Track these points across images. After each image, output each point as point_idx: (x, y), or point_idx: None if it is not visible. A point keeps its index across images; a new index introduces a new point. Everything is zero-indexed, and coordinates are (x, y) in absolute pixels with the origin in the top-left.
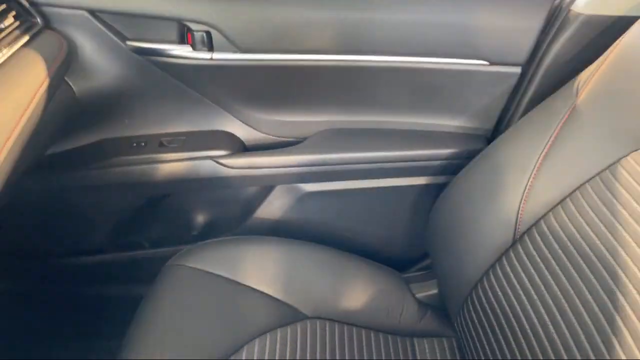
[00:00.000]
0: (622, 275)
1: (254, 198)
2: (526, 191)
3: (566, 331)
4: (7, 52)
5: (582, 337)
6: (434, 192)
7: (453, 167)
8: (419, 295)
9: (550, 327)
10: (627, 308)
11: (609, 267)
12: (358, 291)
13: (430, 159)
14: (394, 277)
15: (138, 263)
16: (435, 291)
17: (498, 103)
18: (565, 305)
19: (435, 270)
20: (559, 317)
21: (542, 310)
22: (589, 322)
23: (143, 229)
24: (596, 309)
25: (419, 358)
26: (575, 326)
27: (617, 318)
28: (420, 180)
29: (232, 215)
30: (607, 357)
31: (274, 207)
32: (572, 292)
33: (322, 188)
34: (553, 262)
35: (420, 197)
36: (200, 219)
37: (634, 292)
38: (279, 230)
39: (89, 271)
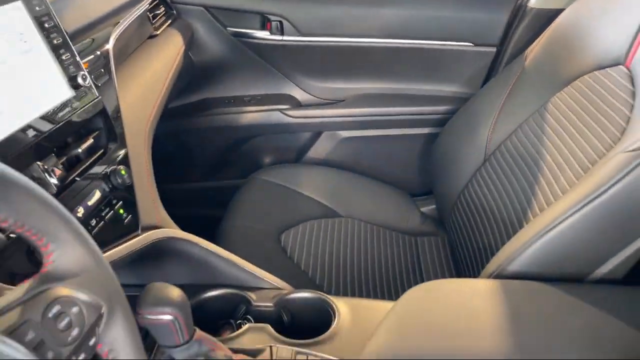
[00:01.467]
0: (544, 170)
1: (308, 141)
2: (491, 127)
3: (518, 208)
4: (160, 29)
5: (526, 210)
6: (434, 139)
7: (435, 123)
8: (422, 209)
9: (504, 210)
10: (545, 187)
11: (537, 166)
12: (379, 203)
13: (431, 114)
14: (405, 197)
15: (226, 188)
16: (433, 206)
17: (480, 73)
18: (513, 194)
19: (433, 188)
20: (509, 203)
21: (500, 202)
22: (528, 199)
23: (231, 163)
24: (530, 190)
25: (419, 250)
26: (522, 204)
27: (539, 193)
28: (424, 130)
29: (294, 154)
30: (535, 214)
31: (320, 147)
32: (516, 185)
33: (354, 134)
34: (508, 170)
35: (424, 142)
36: (271, 156)
37: (548, 175)
38: (323, 164)
39: (193, 195)
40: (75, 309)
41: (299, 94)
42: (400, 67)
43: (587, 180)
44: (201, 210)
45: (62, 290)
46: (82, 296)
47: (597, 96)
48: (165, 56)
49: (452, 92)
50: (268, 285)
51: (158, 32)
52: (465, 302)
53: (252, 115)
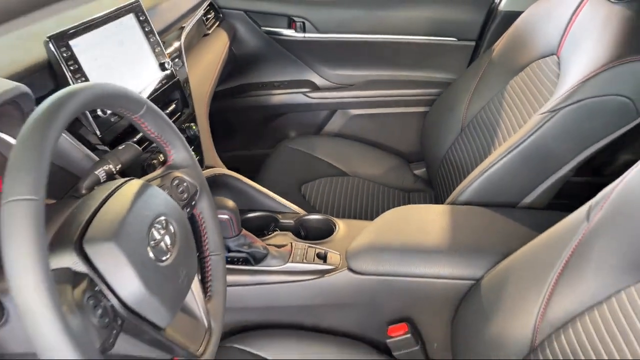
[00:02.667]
0: (498, 134)
1: (325, 117)
2: (466, 104)
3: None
4: (211, 29)
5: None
6: (425, 115)
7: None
8: (415, 171)
9: (473, 166)
10: (496, 144)
11: (495, 131)
12: (380, 166)
13: (423, 95)
14: (401, 162)
15: (260, 155)
16: (424, 169)
17: (462, 62)
18: (478, 154)
19: (424, 154)
20: (475, 161)
21: (471, 161)
22: (486, 155)
23: (263, 135)
24: (488, 149)
25: (411, 202)
26: (482, 159)
27: (492, 149)
28: (417, 109)
29: (313, 128)
30: None
31: (335, 122)
32: (481, 147)
33: (362, 112)
34: (477, 137)
35: (417, 118)
36: (295, 130)
37: (500, 136)
38: (337, 136)
39: (233, 161)
40: (185, 184)
41: (317, 80)
42: (398, 57)
43: (515, 135)
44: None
45: (178, 174)
46: (187, 178)
47: (537, 79)
48: (215, 50)
49: (439, 77)
50: (290, 211)
51: (210, 32)
52: (423, 217)
53: (279, 97)
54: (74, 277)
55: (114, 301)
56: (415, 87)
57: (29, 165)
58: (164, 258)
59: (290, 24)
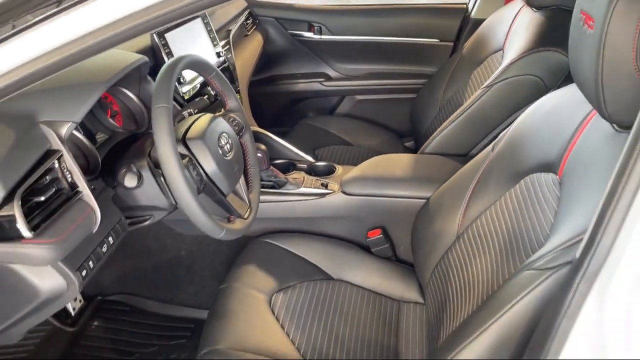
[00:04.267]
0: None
1: (336, 102)
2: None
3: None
4: (250, 31)
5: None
6: (411, 101)
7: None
8: (405, 144)
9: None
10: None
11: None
12: (378, 139)
13: (412, 84)
14: (395, 135)
15: (284, 132)
16: (412, 141)
17: (444, 57)
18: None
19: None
20: (473, 275)
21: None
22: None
23: (287, 115)
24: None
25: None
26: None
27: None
28: (407, 95)
29: (327, 110)
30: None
31: (344, 106)
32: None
33: (365, 98)
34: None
35: (407, 101)
36: (312, 112)
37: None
38: (346, 116)
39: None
40: (236, 121)
41: (330, 72)
42: (393, 54)
43: (465, 104)
44: None
45: (232, 114)
46: (238, 118)
47: (489, 67)
48: (252, 47)
49: (425, 70)
50: (305, 159)
51: (249, 33)
52: (396, 160)
53: (301, 85)
54: (182, 156)
55: (201, 171)
56: (406, 77)
57: (165, 90)
58: (226, 155)
59: (310, 28)
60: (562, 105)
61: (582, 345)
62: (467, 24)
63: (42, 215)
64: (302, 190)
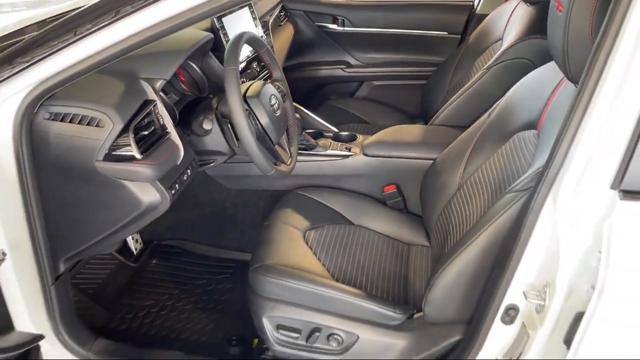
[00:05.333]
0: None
1: (355, 87)
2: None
3: (475, 214)
4: (283, 22)
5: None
6: (422, 87)
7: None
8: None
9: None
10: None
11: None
12: (391, 120)
13: (423, 72)
14: (406, 116)
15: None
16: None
17: (452, 48)
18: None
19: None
20: (469, 213)
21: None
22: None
23: (312, 97)
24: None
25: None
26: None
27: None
28: (419, 82)
29: (347, 94)
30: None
31: (363, 90)
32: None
33: (381, 83)
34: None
35: (418, 88)
36: (335, 95)
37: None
38: (365, 99)
39: None
40: (280, 88)
41: (351, 60)
42: (407, 45)
43: (468, 83)
44: None
45: (277, 83)
46: (282, 87)
47: (489, 55)
48: (285, 36)
49: (434, 59)
50: (331, 129)
51: (282, 24)
52: (409, 130)
53: (325, 71)
54: None
55: (257, 122)
56: (418, 66)
57: (234, 56)
58: (275, 112)
59: (334, 21)
60: (542, 77)
61: (543, 233)
62: (472, 18)
63: (144, 147)
64: (329, 152)
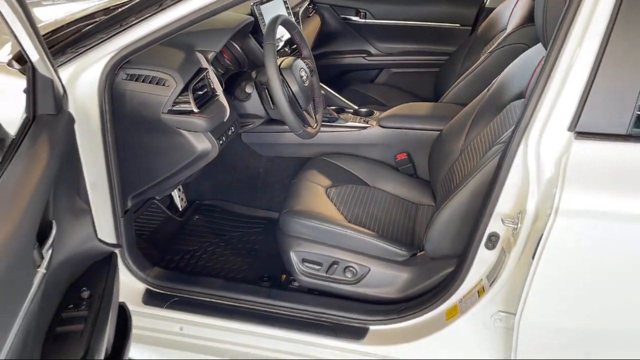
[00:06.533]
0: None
1: (375, 74)
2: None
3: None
4: (311, 14)
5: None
6: (435, 74)
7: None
8: None
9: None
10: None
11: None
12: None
13: (437, 60)
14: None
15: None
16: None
17: (463, 39)
18: (471, 164)
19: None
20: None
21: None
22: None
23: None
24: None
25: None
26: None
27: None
28: (433, 70)
29: (368, 80)
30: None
31: (382, 77)
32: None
33: (398, 70)
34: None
35: (432, 75)
36: (356, 81)
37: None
38: (385, 84)
39: None
40: (309, 65)
41: (371, 49)
42: (422, 36)
43: (472, 67)
44: None
45: (306, 60)
46: (310, 64)
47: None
48: (312, 26)
49: (447, 49)
50: (350, 106)
51: (310, 15)
52: (420, 106)
53: (348, 59)
54: None
55: (289, 89)
56: (432, 55)
57: (272, 33)
58: (304, 83)
59: (357, 13)
60: (532, 55)
61: (516, 172)
62: (482, 12)
63: (199, 104)
64: (349, 124)
